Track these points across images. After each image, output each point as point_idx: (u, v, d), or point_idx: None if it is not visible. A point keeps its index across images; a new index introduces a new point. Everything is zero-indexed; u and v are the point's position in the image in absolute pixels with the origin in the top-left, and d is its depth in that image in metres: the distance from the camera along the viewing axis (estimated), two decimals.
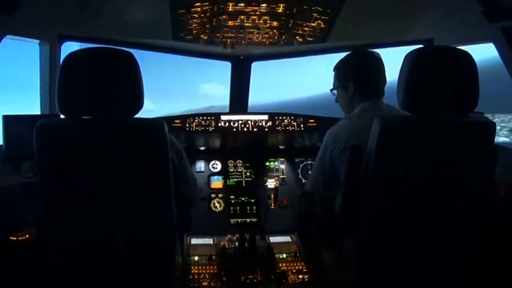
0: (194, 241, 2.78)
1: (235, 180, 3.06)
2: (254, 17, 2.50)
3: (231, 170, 3.08)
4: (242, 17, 2.49)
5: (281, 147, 3.17)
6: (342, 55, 2.17)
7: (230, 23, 2.55)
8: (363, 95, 2.00)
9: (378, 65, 2.01)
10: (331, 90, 2.19)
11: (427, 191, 1.68)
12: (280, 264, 2.57)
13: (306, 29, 2.65)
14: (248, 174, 3.08)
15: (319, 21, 2.55)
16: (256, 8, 2.40)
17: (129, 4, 2.50)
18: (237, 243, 2.55)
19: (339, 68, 2.13)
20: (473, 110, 1.64)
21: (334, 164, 1.91)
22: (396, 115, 1.79)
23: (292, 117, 3.02)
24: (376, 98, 2.00)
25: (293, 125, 3.00)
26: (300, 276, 2.48)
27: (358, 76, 2.01)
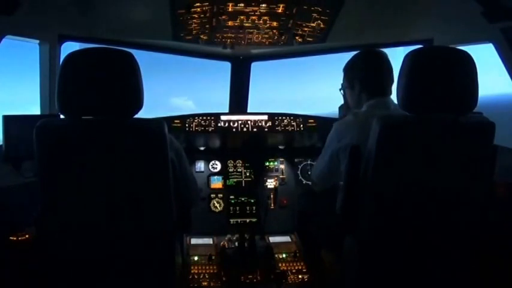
0: (194, 241, 2.78)
1: (235, 180, 3.06)
2: (254, 17, 2.50)
3: (230, 170, 3.08)
4: (242, 17, 2.49)
5: (281, 147, 3.17)
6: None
7: (230, 23, 2.55)
8: (369, 93, 2.02)
9: (381, 62, 2.03)
10: (339, 90, 2.24)
11: (427, 191, 1.68)
12: (280, 264, 2.57)
13: (306, 29, 2.65)
14: (248, 174, 3.08)
15: (319, 21, 2.56)
16: (256, 8, 2.40)
17: (129, 4, 2.50)
18: (236, 243, 2.55)
19: (346, 69, 2.17)
20: (473, 110, 1.64)
21: (338, 157, 1.96)
22: (396, 114, 1.80)
23: (291, 117, 3.02)
24: (382, 96, 2.01)
25: (292, 125, 3.00)
26: (300, 276, 2.48)
27: (363, 74, 2.05)
